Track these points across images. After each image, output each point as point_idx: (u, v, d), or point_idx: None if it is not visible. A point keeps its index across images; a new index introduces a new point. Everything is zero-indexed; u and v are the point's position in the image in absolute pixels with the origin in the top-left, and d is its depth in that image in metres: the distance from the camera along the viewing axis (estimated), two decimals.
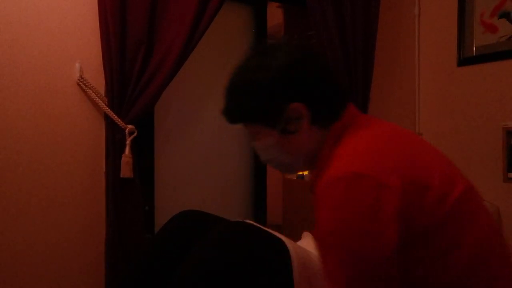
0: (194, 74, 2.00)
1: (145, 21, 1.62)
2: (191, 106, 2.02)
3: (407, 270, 0.76)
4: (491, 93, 1.91)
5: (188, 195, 2.01)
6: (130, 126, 1.63)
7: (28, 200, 1.54)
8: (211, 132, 2.09)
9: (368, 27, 2.14)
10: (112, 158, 1.62)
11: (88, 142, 1.65)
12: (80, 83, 1.61)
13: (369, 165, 0.77)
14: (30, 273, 1.55)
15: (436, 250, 0.77)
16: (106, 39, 1.59)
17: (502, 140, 1.85)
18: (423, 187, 0.77)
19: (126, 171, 1.62)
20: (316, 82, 0.91)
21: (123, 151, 1.63)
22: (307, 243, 1.45)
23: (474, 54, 1.98)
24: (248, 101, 0.91)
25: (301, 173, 3.02)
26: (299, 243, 1.45)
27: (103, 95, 1.64)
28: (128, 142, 1.63)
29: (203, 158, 2.06)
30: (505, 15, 1.87)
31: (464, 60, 2.01)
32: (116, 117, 1.61)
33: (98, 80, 1.64)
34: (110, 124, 1.63)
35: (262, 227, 1.24)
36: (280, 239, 1.19)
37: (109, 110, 1.62)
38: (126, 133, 1.63)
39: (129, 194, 1.65)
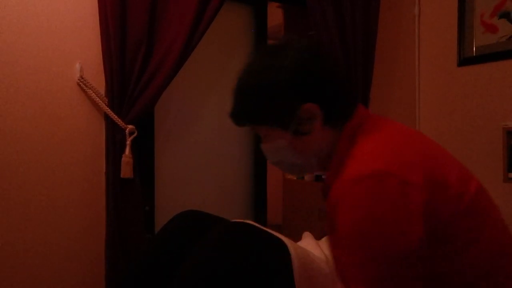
0: (194, 74, 2.00)
1: (145, 21, 1.62)
2: (191, 106, 2.02)
3: (428, 267, 0.76)
4: (491, 93, 1.91)
5: (188, 195, 2.01)
6: (130, 126, 1.63)
7: (28, 200, 1.54)
8: (211, 132, 2.09)
9: (368, 27, 2.14)
10: (112, 158, 1.62)
11: (88, 142, 1.65)
12: (80, 83, 1.61)
13: (392, 163, 0.76)
14: (30, 273, 1.55)
15: (456, 245, 0.78)
16: (106, 39, 1.59)
17: (502, 140, 1.85)
18: (443, 184, 0.78)
19: (126, 171, 1.62)
20: (328, 81, 0.89)
21: (123, 151, 1.63)
22: (307, 243, 1.45)
23: (474, 54, 1.98)
24: (260, 102, 0.89)
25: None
26: (299, 243, 1.45)
27: (103, 95, 1.64)
28: (128, 142, 1.63)
29: (203, 158, 2.06)
30: (505, 15, 1.87)
31: (464, 60, 2.01)
32: (116, 117, 1.61)
33: (98, 80, 1.64)
34: (110, 124, 1.63)
35: (262, 227, 1.24)
36: (280, 240, 1.19)
37: (109, 110, 1.62)
38: (126, 133, 1.63)
39: (129, 194, 1.65)
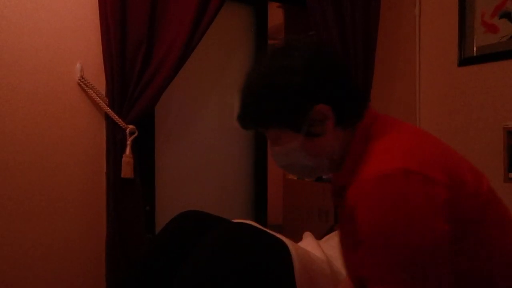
0: (195, 74, 2.00)
1: (145, 22, 1.62)
2: (191, 106, 2.02)
3: (453, 264, 0.76)
4: (492, 93, 1.91)
5: (188, 195, 2.01)
6: (130, 126, 1.63)
7: (28, 200, 1.54)
8: (211, 132, 2.09)
9: (368, 27, 2.14)
10: (113, 158, 1.62)
11: (89, 142, 1.65)
12: (80, 83, 1.61)
13: (413, 161, 0.76)
14: (30, 273, 1.55)
15: (476, 242, 0.78)
16: (106, 39, 1.59)
17: (503, 140, 1.85)
18: (461, 181, 0.78)
19: (127, 171, 1.61)
20: (339, 81, 0.88)
21: (123, 151, 1.62)
22: (308, 244, 1.45)
23: (474, 54, 1.98)
24: (271, 105, 0.86)
25: None
26: (300, 243, 1.45)
27: (104, 95, 1.64)
28: (128, 142, 1.63)
29: (204, 158, 2.06)
30: (506, 15, 1.87)
31: (465, 60, 2.01)
32: (116, 117, 1.61)
33: (98, 80, 1.64)
34: (110, 124, 1.63)
35: (263, 228, 1.24)
36: (281, 240, 1.19)
37: (110, 110, 1.62)
38: (127, 133, 1.62)
39: (129, 194, 1.65)
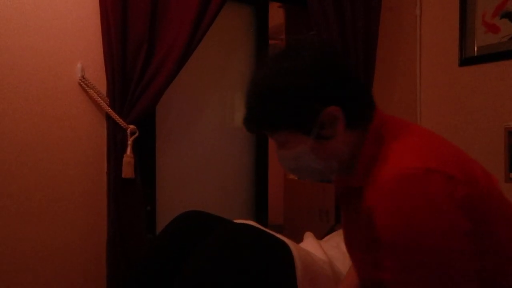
0: (196, 74, 2.00)
1: (146, 21, 1.62)
2: (192, 106, 2.02)
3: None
4: (493, 94, 1.91)
5: (189, 195, 2.01)
6: (131, 126, 1.63)
7: (29, 200, 1.54)
8: (212, 132, 2.09)
9: (369, 27, 2.13)
10: (114, 158, 1.62)
11: (90, 142, 1.65)
12: (81, 83, 1.61)
13: (432, 160, 0.75)
14: (31, 273, 1.55)
15: (492, 240, 0.77)
16: (107, 39, 1.59)
17: (504, 140, 1.85)
18: (475, 179, 0.78)
19: (127, 171, 1.62)
20: (348, 82, 0.86)
21: (124, 151, 1.62)
22: (309, 244, 1.45)
23: (475, 54, 1.98)
24: (280, 108, 0.83)
25: None
26: (301, 244, 1.45)
27: (105, 95, 1.64)
28: (129, 142, 1.63)
29: (205, 158, 2.06)
30: (507, 15, 1.87)
31: (466, 60, 2.01)
32: (117, 117, 1.61)
33: (99, 80, 1.64)
34: (111, 124, 1.63)
35: (265, 229, 1.24)
36: (283, 241, 1.19)
37: (111, 110, 1.62)
38: (128, 133, 1.63)
39: (130, 194, 1.65)
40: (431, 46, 2.15)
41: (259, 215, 2.20)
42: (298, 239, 1.52)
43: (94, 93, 1.62)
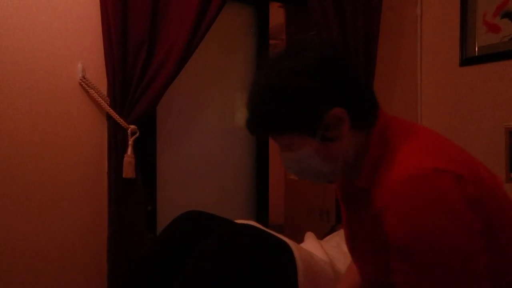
0: (196, 74, 2.00)
1: (147, 21, 1.62)
2: (193, 106, 2.02)
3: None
4: (493, 93, 1.91)
5: (190, 195, 2.01)
6: (132, 126, 1.63)
7: (30, 199, 1.54)
8: (213, 132, 2.09)
9: (369, 27, 2.13)
10: (115, 158, 1.62)
11: (91, 142, 1.65)
12: (82, 83, 1.61)
13: (440, 160, 0.75)
14: (32, 272, 1.55)
15: (501, 239, 0.77)
16: (108, 39, 1.59)
17: (504, 140, 1.85)
18: (481, 179, 0.78)
19: (128, 171, 1.62)
20: (352, 82, 0.85)
21: (125, 151, 1.63)
22: (310, 245, 1.45)
23: (476, 54, 1.98)
24: (285, 110, 0.82)
25: None
26: (302, 244, 1.45)
27: (106, 95, 1.65)
28: (130, 142, 1.63)
29: (205, 158, 2.06)
30: (507, 15, 1.87)
31: (467, 60, 2.00)
32: (118, 117, 1.61)
33: (100, 80, 1.64)
34: (112, 124, 1.63)
35: (266, 230, 1.24)
36: (284, 242, 1.19)
37: (112, 110, 1.62)
38: (128, 133, 1.63)
39: (131, 194, 1.65)
40: (431, 46, 2.15)
41: (260, 215, 2.20)
42: (299, 239, 1.52)
43: (95, 93, 1.62)
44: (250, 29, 2.19)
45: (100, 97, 1.63)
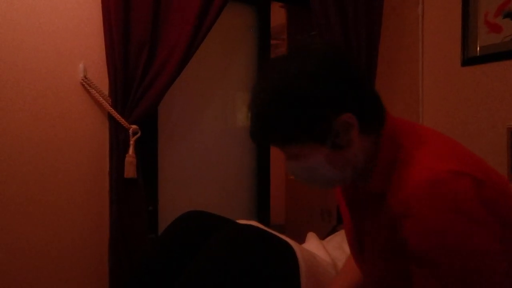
0: (198, 74, 2.00)
1: (148, 21, 1.62)
2: (194, 106, 2.02)
3: None
4: (495, 93, 1.91)
5: (191, 195, 2.01)
6: (133, 126, 1.63)
7: (31, 200, 1.54)
8: (214, 132, 2.09)
9: (371, 27, 2.13)
10: (116, 158, 1.62)
11: (92, 142, 1.65)
12: (84, 83, 1.61)
13: (457, 162, 0.74)
14: (33, 273, 1.55)
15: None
16: (109, 39, 1.59)
17: (506, 140, 1.85)
18: (493, 180, 0.77)
19: (129, 171, 1.62)
20: (359, 85, 0.82)
21: (126, 151, 1.63)
22: (312, 245, 1.45)
23: (478, 54, 1.97)
24: (292, 119, 0.78)
25: None
26: (304, 245, 1.45)
27: (107, 95, 1.65)
28: (131, 142, 1.63)
29: (207, 158, 2.06)
30: (509, 15, 1.86)
31: (468, 60, 2.00)
32: (119, 117, 1.61)
33: (102, 80, 1.64)
34: (113, 124, 1.63)
35: (269, 230, 1.23)
36: (287, 243, 1.19)
37: (113, 110, 1.62)
38: (130, 133, 1.63)
39: (132, 194, 1.65)
40: (433, 45, 2.15)
41: (261, 215, 2.20)
42: (300, 239, 1.52)
43: (96, 93, 1.62)
44: (250, 29, 2.18)
45: (102, 97, 1.63)
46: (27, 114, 1.53)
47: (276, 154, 0.94)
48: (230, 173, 2.14)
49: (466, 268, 0.70)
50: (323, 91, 0.77)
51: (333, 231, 2.10)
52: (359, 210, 0.94)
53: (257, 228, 1.21)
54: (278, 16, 3.10)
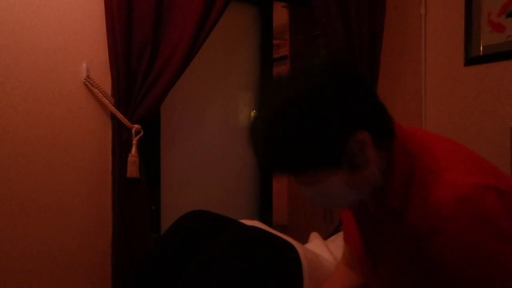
0: (200, 74, 2.00)
1: (151, 21, 1.62)
2: (197, 106, 2.02)
3: None
4: (498, 93, 1.90)
5: (194, 194, 2.01)
6: (136, 126, 1.63)
7: (34, 199, 1.54)
8: (217, 132, 2.09)
9: (374, 27, 2.13)
10: (119, 158, 1.62)
11: (95, 141, 1.65)
12: (86, 83, 1.61)
13: (480, 174, 0.74)
14: (36, 272, 1.55)
15: None
16: (112, 39, 1.59)
17: (510, 140, 1.84)
18: (505, 186, 0.77)
19: (132, 170, 1.62)
20: (366, 99, 0.77)
21: (129, 150, 1.63)
22: (315, 245, 1.45)
23: (481, 54, 1.97)
24: (305, 145, 0.72)
25: None
26: (307, 245, 1.45)
27: (110, 95, 1.65)
28: (134, 141, 1.63)
29: (209, 158, 2.06)
30: None
31: (471, 60, 2.00)
32: (122, 116, 1.61)
33: (104, 80, 1.64)
34: (116, 124, 1.63)
35: (272, 231, 1.23)
36: (290, 243, 1.19)
37: (116, 109, 1.62)
38: (133, 133, 1.63)
39: (135, 194, 1.65)
40: (436, 45, 2.14)
41: (264, 215, 2.20)
42: (303, 239, 1.52)
43: (99, 93, 1.63)
44: (250, 29, 2.18)
45: (105, 96, 1.63)
46: (30, 113, 1.53)
47: None
48: (233, 173, 2.14)
49: (496, 281, 0.71)
50: (332, 111, 0.72)
51: (336, 231, 2.09)
52: (371, 227, 0.92)
53: (260, 228, 1.21)
54: (280, 16, 3.10)
